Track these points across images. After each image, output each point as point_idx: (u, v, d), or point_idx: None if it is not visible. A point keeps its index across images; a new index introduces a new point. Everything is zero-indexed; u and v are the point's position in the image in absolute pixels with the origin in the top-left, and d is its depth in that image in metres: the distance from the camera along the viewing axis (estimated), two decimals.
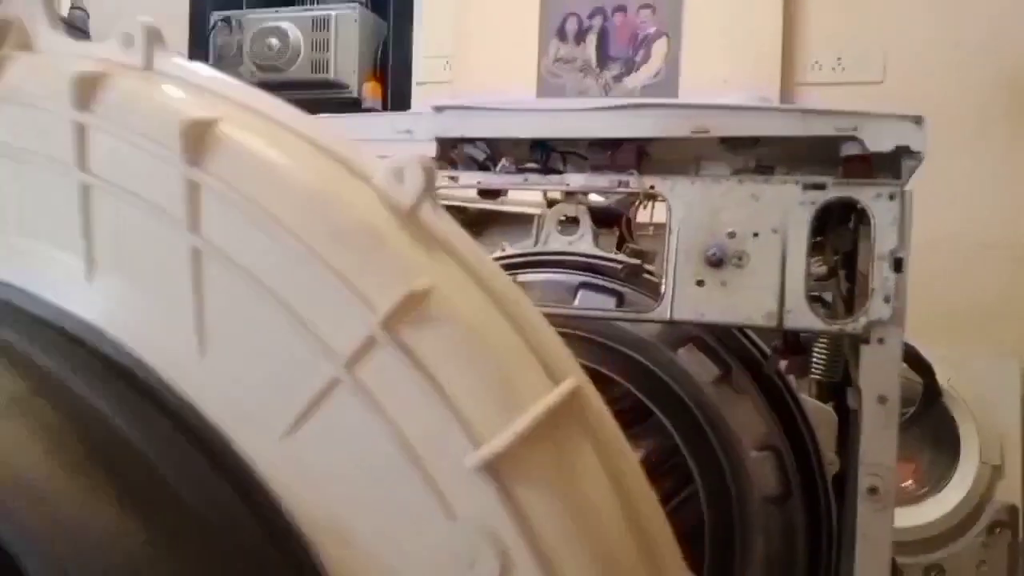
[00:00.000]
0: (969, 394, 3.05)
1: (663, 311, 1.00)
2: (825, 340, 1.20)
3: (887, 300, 0.93)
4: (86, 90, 0.53)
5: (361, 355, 0.48)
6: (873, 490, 0.96)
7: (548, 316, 0.52)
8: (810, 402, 1.23)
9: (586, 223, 1.24)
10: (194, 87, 0.54)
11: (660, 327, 1.17)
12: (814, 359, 1.23)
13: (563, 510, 0.47)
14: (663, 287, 1.01)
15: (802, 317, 0.95)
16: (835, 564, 1.08)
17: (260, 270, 0.50)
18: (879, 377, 0.95)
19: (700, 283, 0.98)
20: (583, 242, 1.25)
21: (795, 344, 1.10)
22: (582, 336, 1.23)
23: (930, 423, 3.17)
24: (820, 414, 1.22)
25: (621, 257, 1.24)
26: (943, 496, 3.01)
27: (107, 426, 0.51)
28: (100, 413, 0.51)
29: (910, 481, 3.15)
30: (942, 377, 3.06)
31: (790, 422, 1.16)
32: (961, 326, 3.23)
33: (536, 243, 1.28)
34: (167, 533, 0.48)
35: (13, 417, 0.50)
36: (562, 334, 1.26)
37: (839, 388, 1.26)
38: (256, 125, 0.52)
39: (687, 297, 0.99)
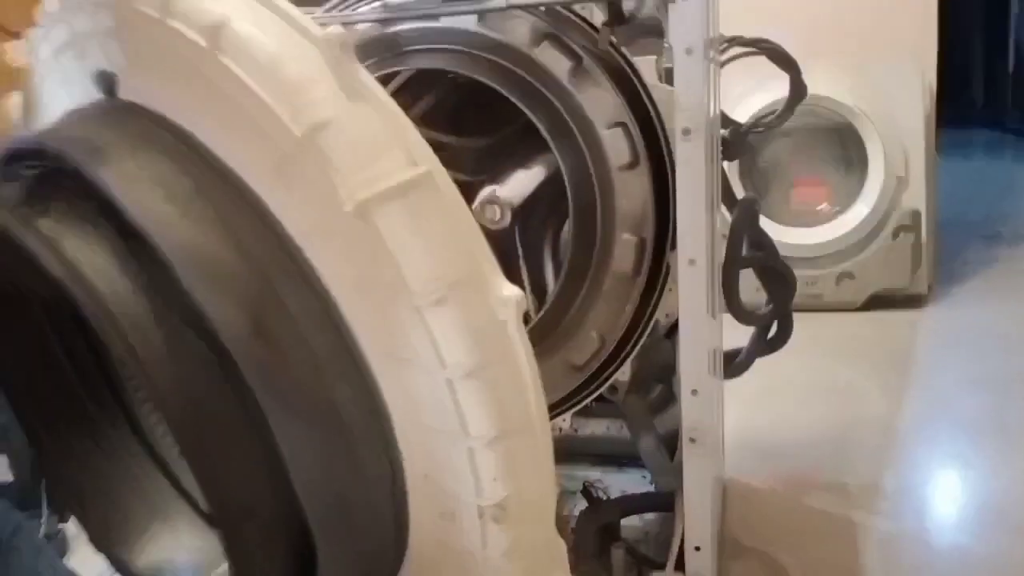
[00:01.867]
0: (873, 108, 3.20)
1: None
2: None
3: None
4: None
5: None
6: (686, 132, 1.13)
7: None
8: (657, 87, 1.37)
9: None
10: None
11: (518, 31, 1.30)
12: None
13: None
14: None
15: None
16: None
17: None
18: (685, 30, 1.11)
19: None
20: None
21: (619, 14, 1.24)
22: (455, 49, 1.36)
23: (838, 142, 3.36)
24: (663, 93, 1.35)
25: None
26: (853, 211, 3.24)
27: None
28: None
29: (824, 203, 3.38)
30: (848, 96, 3.23)
31: (635, 100, 1.32)
32: (864, 41, 3.32)
33: None
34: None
35: None
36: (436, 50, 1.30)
37: None
38: None
39: None
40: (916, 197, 3.26)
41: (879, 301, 3.22)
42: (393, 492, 0.81)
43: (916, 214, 3.26)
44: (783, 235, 3.06)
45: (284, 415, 0.75)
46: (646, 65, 1.31)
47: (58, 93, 0.93)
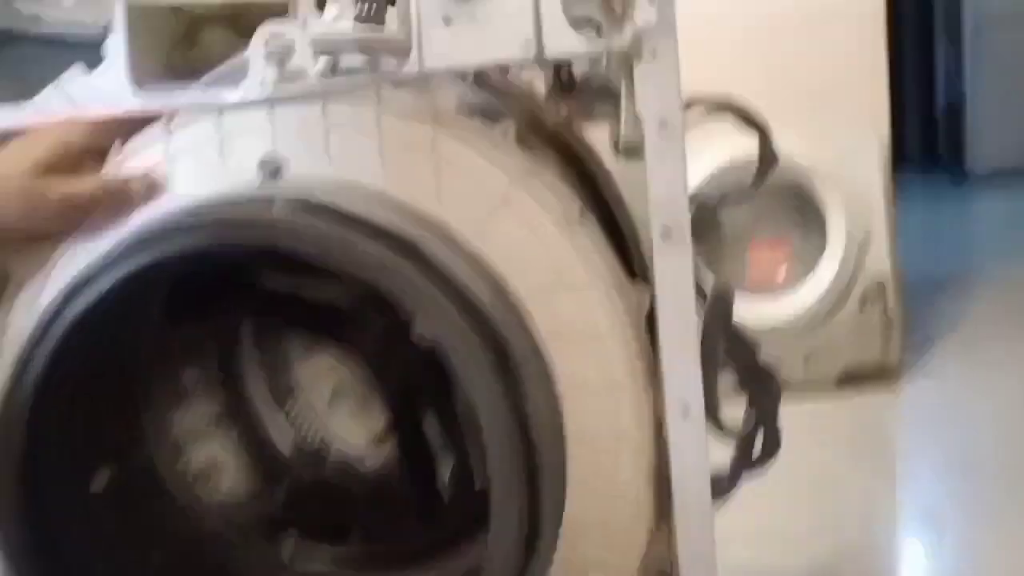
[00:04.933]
0: (832, 170, 3.01)
1: (411, 64, 0.85)
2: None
3: (651, 3, 0.79)
4: None
5: None
6: (667, 233, 0.85)
7: None
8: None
9: None
10: None
11: None
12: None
13: None
14: (406, 34, 0.85)
15: (563, 39, 0.81)
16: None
17: None
18: (657, 98, 0.83)
19: (447, 21, 0.83)
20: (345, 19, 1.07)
21: (569, 80, 0.97)
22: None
23: (795, 203, 3.16)
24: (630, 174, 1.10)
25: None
26: (816, 277, 3.02)
27: None
28: None
29: (784, 269, 3.16)
30: (804, 156, 3.04)
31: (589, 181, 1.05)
32: (818, 102, 3.16)
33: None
34: None
35: None
36: None
37: None
38: None
39: (436, 41, 0.84)
40: (880, 260, 3.06)
41: (850, 377, 2.98)
42: None
43: (882, 281, 3.05)
44: (743, 306, 2.81)
45: None
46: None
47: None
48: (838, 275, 3.03)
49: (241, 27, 1.13)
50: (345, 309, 1.09)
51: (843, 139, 3.11)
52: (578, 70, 1.00)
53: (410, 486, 1.15)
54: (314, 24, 0.89)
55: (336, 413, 1.24)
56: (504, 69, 0.95)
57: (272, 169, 0.94)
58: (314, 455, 1.23)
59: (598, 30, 0.82)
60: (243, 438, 1.21)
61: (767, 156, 1.63)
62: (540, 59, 0.82)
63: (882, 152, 3.15)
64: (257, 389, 1.23)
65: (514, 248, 0.91)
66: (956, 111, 6.18)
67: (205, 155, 0.96)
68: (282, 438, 1.24)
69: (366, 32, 0.84)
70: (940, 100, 6.45)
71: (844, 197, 3.05)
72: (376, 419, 1.20)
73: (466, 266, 0.89)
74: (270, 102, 0.91)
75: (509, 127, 0.95)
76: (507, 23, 0.82)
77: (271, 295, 1.09)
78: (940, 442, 2.48)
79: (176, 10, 1.11)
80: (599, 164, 1.05)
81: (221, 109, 0.93)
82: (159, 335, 1.09)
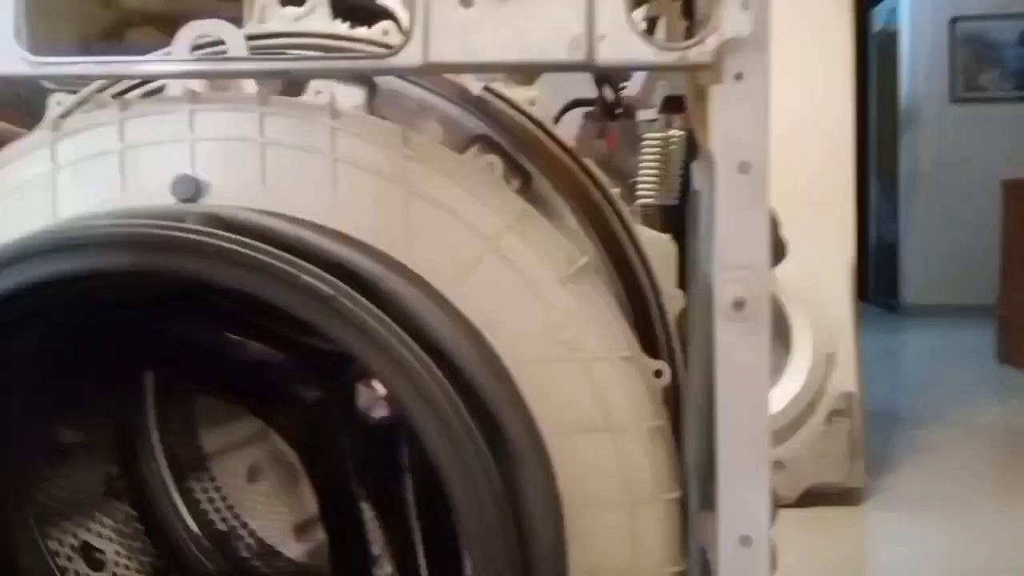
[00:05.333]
0: (797, 283, 2.90)
1: (412, 52, 0.63)
2: (654, 144, 0.89)
3: (745, 7, 0.59)
4: None
5: None
6: (739, 304, 0.64)
7: None
8: (643, 232, 0.91)
9: None
10: None
11: None
12: (642, 173, 0.91)
13: None
14: (408, 18, 0.64)
15: (623, 43, 0.60)
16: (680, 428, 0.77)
17: None
18: (739, 131, 0.63)
19: (465, 2, 0.62)
20: (315, 17, 0.86)
21: (615, 101, 0.76)
22: None
23: None
24: (656, 245, 0.90)
25: (366, 33, 0.86)
26: (781, 388, 2.87)
27: None
28: None
29: None
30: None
31: (615, 248, 0.84)
32: (785, 215, 3.06)
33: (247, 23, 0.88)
34: None
35: None
36: None
37: (679, 211, 0.95)
38: None
39: (448, 27, 0.63)
40: (847, 379, 2.92)
41: (813, 497, 2.79)
42: None
43: (849, 397, 2.91)
44: None
45: None
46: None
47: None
48: (804, 387, 2.89)
49: (173, 29, 0.95)
50: (272, 367, 0.88)
51: (810, 256, 3.00)
52: (632, 88, 0.79)
53: None
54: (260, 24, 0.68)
55: (253, 490, 1.07)
56: (535, 70, 0.74)
57: (188, 191, 0.72)
58: (222, 540, 1.03)
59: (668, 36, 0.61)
60: (131, 515, 1.00)
61: (777, 247, 1.47)
62: (590, 64, 0.60)
63: (848, 270, 3.06)
64: (155, 456, 1.02)
65: (503, 304, 0.70)
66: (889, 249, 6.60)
67: (100, 170, 0.74)
68: (181, 518, 1.04)
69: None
70: (872, 239, 6.77)
71: (810, 311, 2.94)
72: (302, 500, 1.02)
73: (443, 317, 0.68)
74: (190, 101, 0.68)
75: (494, 160, 0.74)
76: (550, 15, 0.61)
77: (178, 343, 0.87)
78: None
79: (104, 3, 0.92)
80: (620, 213, 0.84)
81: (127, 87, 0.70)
82: (31, 385, 0.85)
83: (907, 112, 6.41)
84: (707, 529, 0.67)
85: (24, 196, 0.75)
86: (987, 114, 6.18)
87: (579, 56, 0.60)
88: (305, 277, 0.63)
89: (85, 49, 0.93)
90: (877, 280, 6.80)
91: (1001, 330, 4.96)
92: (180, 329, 0.87)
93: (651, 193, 0.97)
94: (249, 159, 0.72)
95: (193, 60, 0.66)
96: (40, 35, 0.84)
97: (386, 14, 1.03)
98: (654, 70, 0.74)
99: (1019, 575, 2.29)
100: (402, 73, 0.64)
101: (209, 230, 0.64)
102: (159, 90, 0.82)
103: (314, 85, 0.79)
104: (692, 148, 0.83)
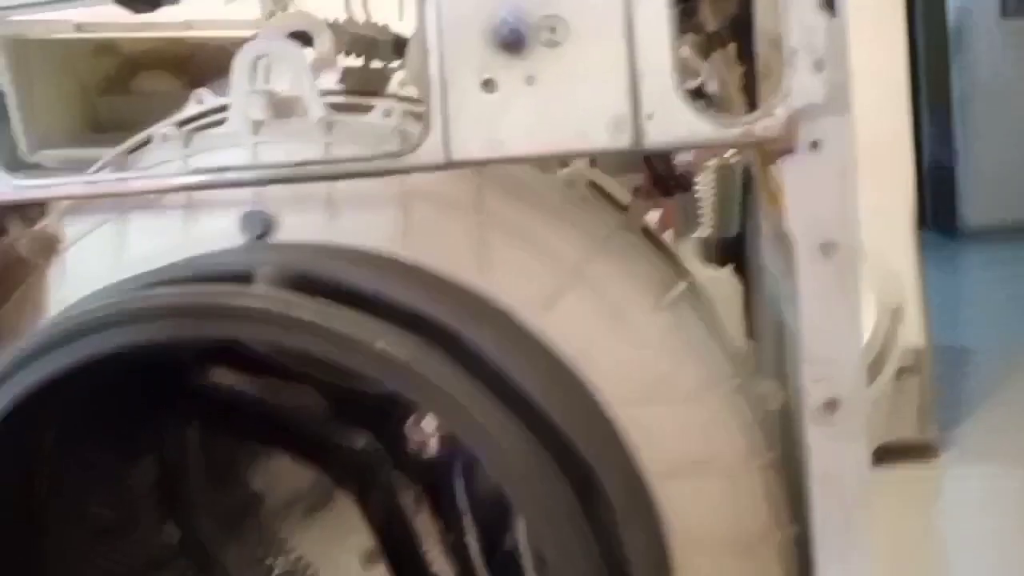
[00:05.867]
0: (861, 239, 2.76)
1: (433, 150, 0.55)
2: (710, 172, 0.79)
3: (819, 68, 0.50)
4: None
5: None
6: (831, 405, 0.55)
7: None
8: (702, 271, 0.83)
9: (326, 40, 0.78)
10: None
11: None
12: (698, 204, 0.82)
13: None
14: (425, 106, 0.55)
15: (675, 121, 0.51)
16: None
17: None
18: (820, 207, 0.53)
19: (488, 85, 0.53)
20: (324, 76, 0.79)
21: (666, 175, 0.67)
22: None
23: None
24: (718, 286, 0.82)
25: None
26: None
27: None
28: None
29: None
30: None
31: None
32: None
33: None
34: None
35: None
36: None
37: (737, 244, 0.86)
38: None
39: (471, 115, 0.54)
40: (915, 333, 2.80)
41: (887, 454, 2.70)
42: None
43: (918, 352, 2.79)
44: None
45: None
46: None
47: None
48: (869, 344, 2.77)
49: (189, 73, 0.88)
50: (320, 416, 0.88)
51: (871, 207, 2.85)
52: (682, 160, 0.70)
53: None
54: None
55: (311, 527, 1.02)
56: (575, 158, 0.65)
57: (258, 228, 0.70)
58: None
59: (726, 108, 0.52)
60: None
61: None
62: (637, 148, 0.52)
63: (911, 219, 2.91)
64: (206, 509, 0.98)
65: (592, 335, 0.64)
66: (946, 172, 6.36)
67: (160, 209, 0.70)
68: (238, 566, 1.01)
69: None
70: (927, 162, 6.53)
71: (873, 264, 2.80)
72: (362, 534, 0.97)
73: (529, 362, 0.64)
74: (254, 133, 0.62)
75: (578, 176, 0.67)
76: (585, 91, 0.52)
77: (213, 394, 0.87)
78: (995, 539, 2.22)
79: (102, 49, 0.86)
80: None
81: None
82: (64, 455, 0.82)
83: (956, 30, 6.14)
84: None
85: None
86: None
87: (624, 141, 0.52)
88: (380, 344, 0.60)
89: (88, 108, 0.86)
90: (935, 206, 6.61)
91: None
92: (221, 380, 0.86)
93: (708, 225, 0.88)
94: (316, 189, 0.67)
95: (191, 173, 0.60)
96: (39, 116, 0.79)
97: (399, 43, 0.95)
98: (712, 149, 0.65)
99: None
100: (425, 171, 0.56)
101: (284, 297, 0.62)
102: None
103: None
104: (750, 176, 0.74)
